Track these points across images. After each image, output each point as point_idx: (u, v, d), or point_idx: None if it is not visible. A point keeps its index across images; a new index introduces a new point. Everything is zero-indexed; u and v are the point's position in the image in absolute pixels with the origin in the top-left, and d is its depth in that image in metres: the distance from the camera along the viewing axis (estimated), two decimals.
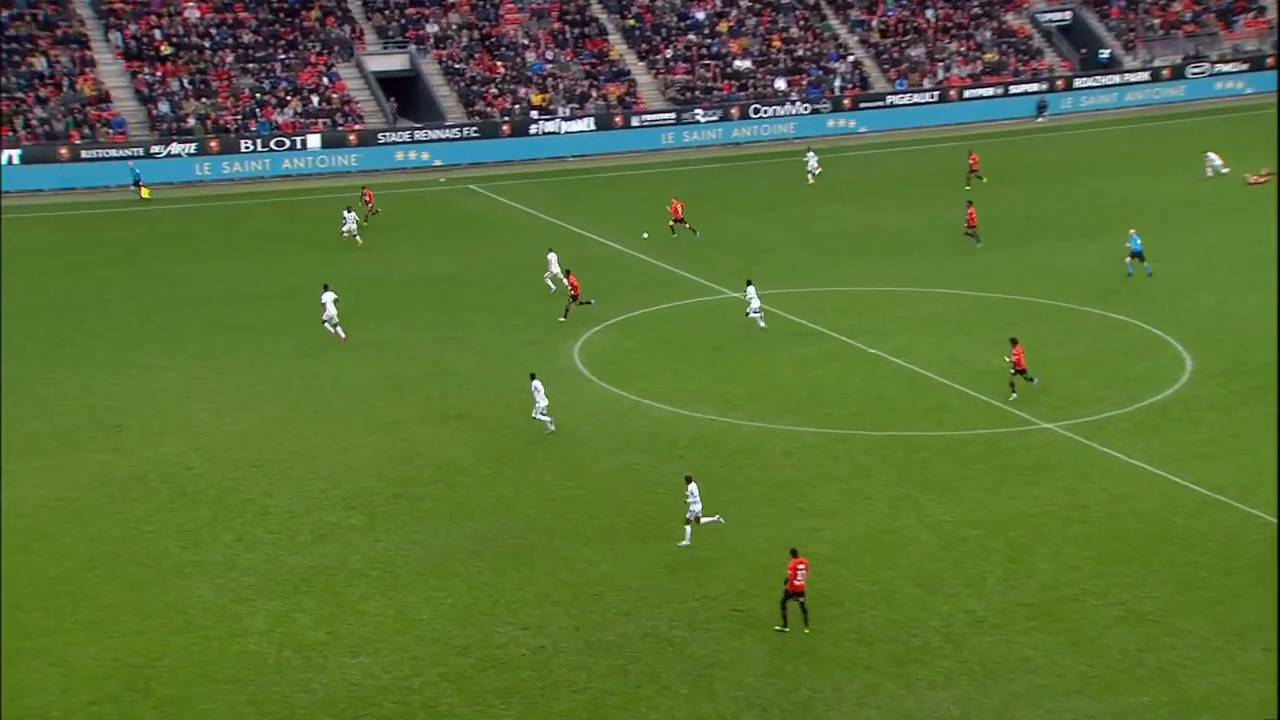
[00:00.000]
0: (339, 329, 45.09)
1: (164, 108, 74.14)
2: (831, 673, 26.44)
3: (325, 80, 79.53)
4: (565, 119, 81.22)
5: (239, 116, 75.20)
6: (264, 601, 29.53)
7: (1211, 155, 67.94)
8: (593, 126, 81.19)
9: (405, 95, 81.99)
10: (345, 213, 59.90)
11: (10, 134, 69.18)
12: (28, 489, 34.47)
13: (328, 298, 45.65)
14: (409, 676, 26.82)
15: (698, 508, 31.54)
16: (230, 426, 39.13)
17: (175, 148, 72.28)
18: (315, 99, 78.06)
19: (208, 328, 48.24)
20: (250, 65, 78.55)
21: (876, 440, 37.17)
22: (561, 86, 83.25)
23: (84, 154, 69.85)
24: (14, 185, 67.57)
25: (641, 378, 42.44)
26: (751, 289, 47.11)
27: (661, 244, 58.78)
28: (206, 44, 78.77)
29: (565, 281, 48.84)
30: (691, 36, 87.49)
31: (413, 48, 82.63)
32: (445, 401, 41.42)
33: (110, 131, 71.77)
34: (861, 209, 64.83)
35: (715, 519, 32.00)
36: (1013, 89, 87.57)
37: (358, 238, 58.99)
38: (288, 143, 74.70)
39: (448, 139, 78.36)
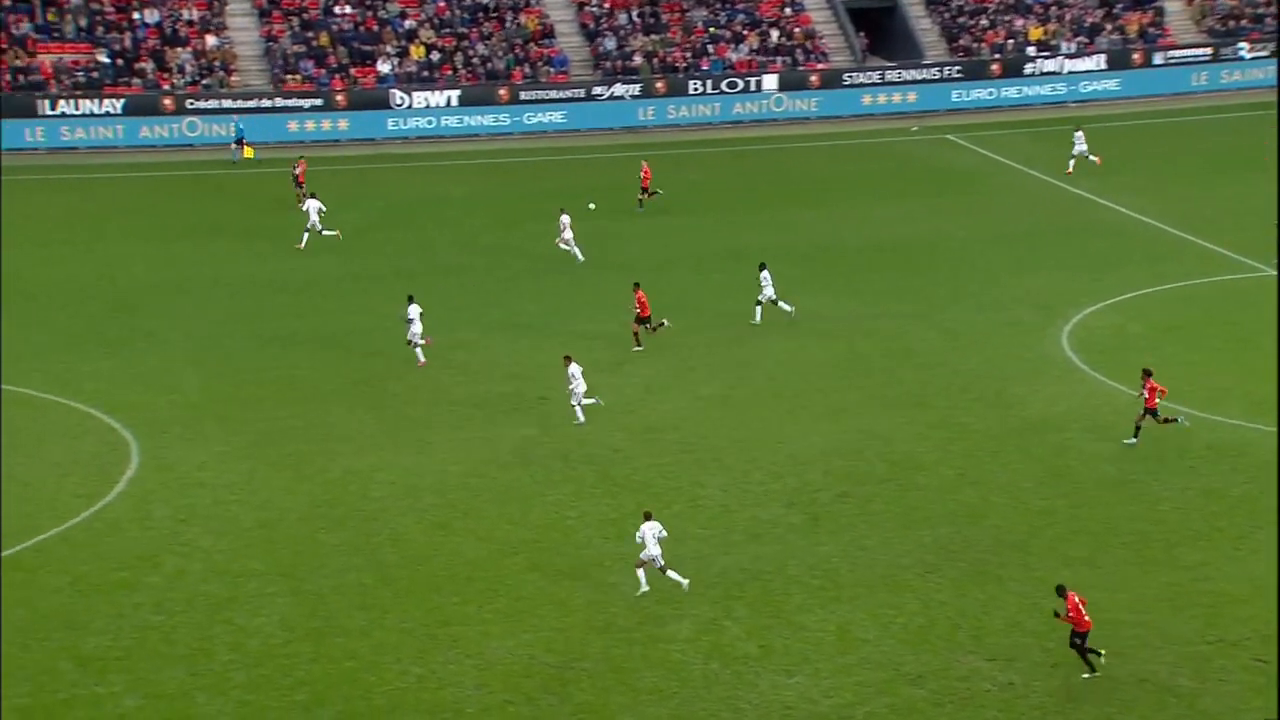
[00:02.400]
0: (420, 350, 42.68)
1: (609, 44, 77.45)
2: None
3: (788, 11, 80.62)
4: (1069, 56, 78.87)
5: (689, 54, 77.52)
6: (691, 605, 30.47)
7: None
8: (1103, 65, 78.51)
9: (878, 29, 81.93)
10: None
11: (450, 73, 74.26)
12: (448, 462, 37.11)
13: (413, 311, 42.72)
14: (851, 705, 27.01)
15: (580, 387, 37.14)
16: (661, 405, 40.59)
17: (618, 89, 75.40)
18: (775, 34, 79.36)
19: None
20: None
21: None
22: (1068, 17, 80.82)
23: (522, 95, 74.00)
24: (451, 130, 72.61)
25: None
26: (765, 273, 45.83)
27: (1176, 207, 56.13)
28: None
29: (634, 303, 44.35)
30: None
31: None
32: (904, 388, 41.31)
33: (551, 70, 75.69)
34: None
35: (595, 400, 37.03)
36: None
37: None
38: (740, 84, 76.41)
39: (925, 80, 77.92)
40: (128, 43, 71.24)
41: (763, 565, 31.95)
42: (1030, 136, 71.20)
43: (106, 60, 70.17)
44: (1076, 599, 27.37)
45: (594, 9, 78.93)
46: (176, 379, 42.00)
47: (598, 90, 75.02)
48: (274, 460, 36.98)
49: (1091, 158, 62.65)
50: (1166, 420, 36.76)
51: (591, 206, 56.85)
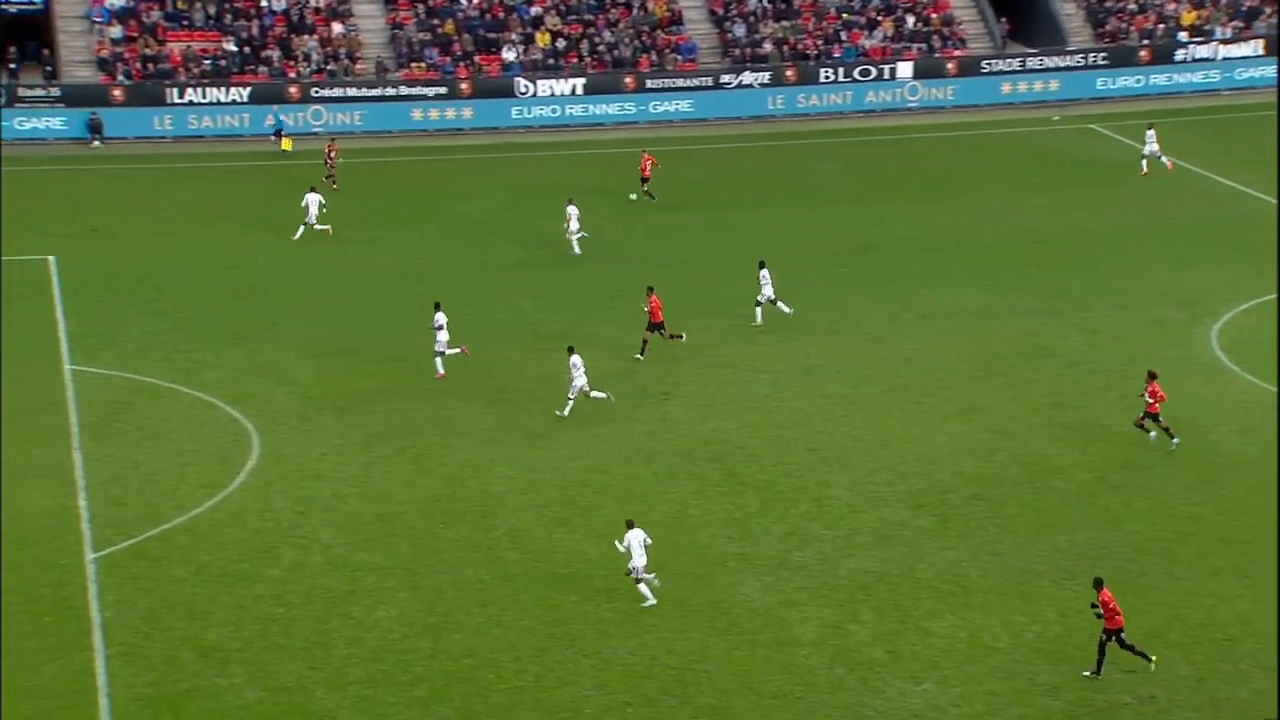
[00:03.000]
0: (440, 359, 41.70)
1: (738, 31, 77.29)
2: None
3: None
4: (1224, 41, 77.22)
5: (820, 41, 77.11)
6: (816, 608, 30.42)
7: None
8: (1259, 51, 76.65)
9: (1020, 15, 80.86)
10: None
11: (576, 61, 74.65)
12: (568, 457, 37.33)
13: (440, 319, 41.78)
14: (982, 715, 26.82)
15: (582, 381, 37.56)
16: (787, 402, 40.48)
17: (747, 77, 75.17)
18: (911, 20, 78.65)
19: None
20: None
21: None
22: (1224, 0, 79.11)
23: (649, 84, 74.08)
24: (576, 119, 72.96)
25: None
26: (764, 272, 44.94)
27: None
28: None
29: (646, 309, 43.15)
30: None
31: None
32: (1039, 387, 40.85)
33: (679, 58, 75.70)
34: None
35: (604, 395, 37.35)
36: None
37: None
38: (874, 71, 75.84)
39: (1068, 67, 76.76)
40: (255, 30, 72.56)
41: (890, 568, 31.78)
42: (1177, 126, 69.74)
43: (234, 48, 71.54)
44: (1109, 594, 27.35)
45: None
46: (295, 369, 42.72)
47: (726, 78, 74.87)
48: (392, 453, 37.48)
49: (1163, 159, 61.19)
50: (1167, 429, 36.32)
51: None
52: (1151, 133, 61.78)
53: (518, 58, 73.97)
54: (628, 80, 73.88)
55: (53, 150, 65.51)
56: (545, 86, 72.78)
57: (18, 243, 52.82)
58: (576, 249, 52.72)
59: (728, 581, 31.52)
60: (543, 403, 40.36)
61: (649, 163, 59.45)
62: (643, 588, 30.53)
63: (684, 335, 43.40)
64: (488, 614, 30.27)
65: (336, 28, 73.40)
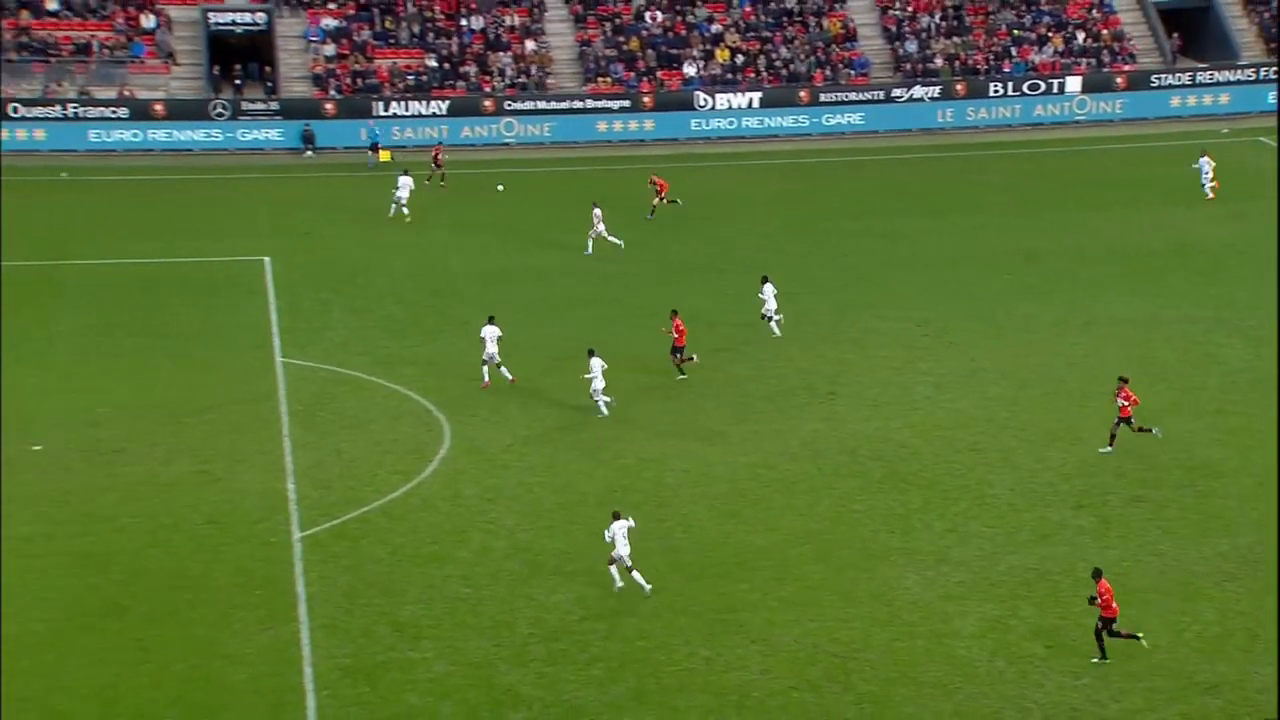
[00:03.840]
0: (487, 370, 40.97)
1: (910, 46, 76.55)
2: None
3: (1095, 14, 78.19)
4: None
5: (991, 56, 76.00)
6: (976, 603, 29.98)
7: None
8: None
9: (1191, 30, 78.62)
10: None
11: (753, 75, 74.60)
12: (738, 453, 37.30)
13: (489, 332, 41.14)
14: (1142, 711, 26.26)
15: (598, 383, 38.09)
16: (951, 404, 39.94)
17: (917, 91, 74.43)
18: (1081, 35, 77.06)
19: (932, 291, 49.29)
20: None
21: None
22: None
23: (822, 97, 73.73)
24: (752, 131, 72.93)
25: None
26: (768, 287, 43.56)
27: None
28: None
29: (671, 331, 41.63)
30: None
31: None
32: (1203, 393, 39.91)
33: (851, 73, 75.24)
34: None
35: (608, 399, 37.87)
36: None
37: None
38: (1043, 86, 74.42)
39: (1239, 81, 74.51)
40: (454, 48, 73.76)
41: (1050, 566, 31.20)
42: None
43: (434, 64, 72.83)
44: (1107, 585, 27.50)
45: (897, 12, 78.07)
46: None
47: (897, 92, 74.19)
48: (572, 445, 37.81)
49: (1208, 185, 58.57)
50: (1141, 429, 35.59)
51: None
52: (1205, 159, 59.29)
53: (698, 73, 74.09)
54: (802, 94, 73.57)
55: (269, 159, 67.37)
56: (723, 100, 72.75)
57: (237, 244, 54.48)
58: (590, 249, 53.11)
59: (889, 575, 31.22)
60: (716, 401, 40.38)
61: (655, 182, 58.21)
62: (636, 576, 30.46)
63: (695, 356, 41.73)
64: (660, 600, 30.38)
65: (529, 45, 74.28)
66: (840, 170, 67.44)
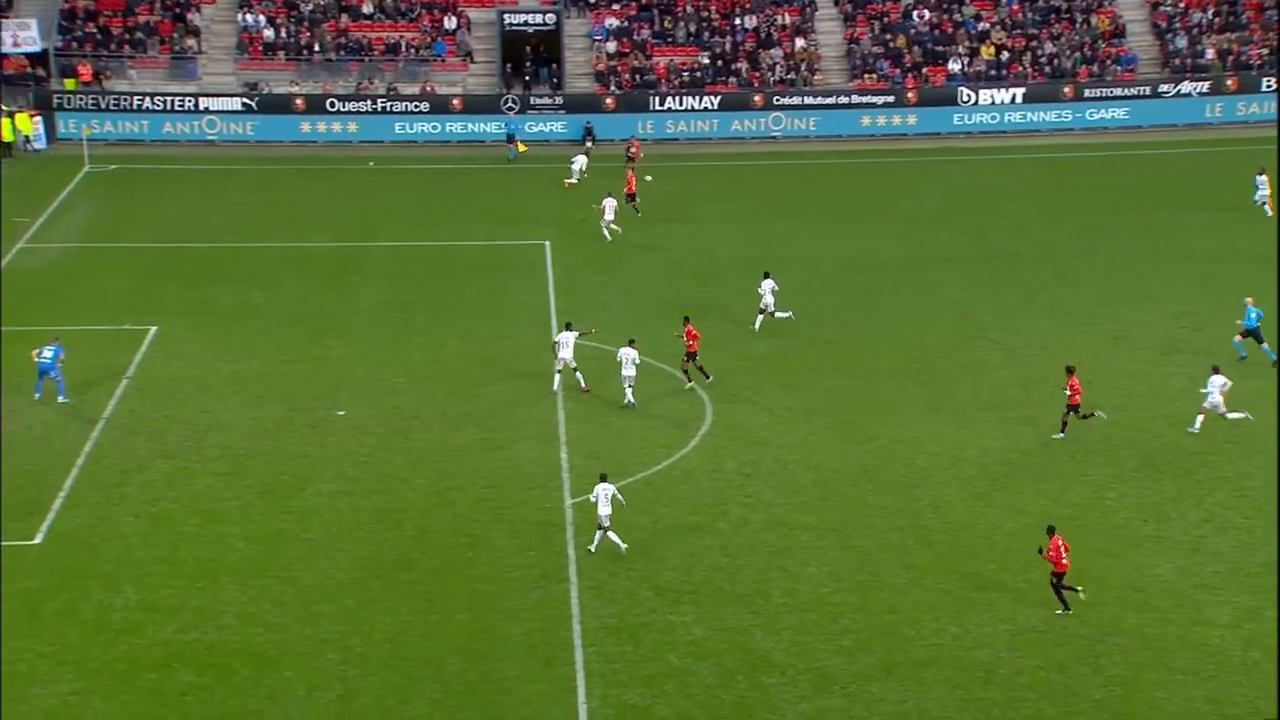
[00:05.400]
0: (559, 375, 39.40)
1: (1179, 42, 73.38)
2: None
3: None
4: None
5: (1265, 52, 72.30)
6: (1231, 593, 28.75)
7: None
8: None
9: None
10: None
11: (1018, 71, 72.67)
12: (990, 437, 36.46)
13: (567, 338, 39.37)
14: None
15: (628, 370, 37.33)
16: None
17: (1185, 86, 71.38)
18: None
19: (1194, 286, 47.37)
20: None
21: None
22: None
23: (1087, 93, 71.33)
24: (1014, 125, 71.00)
25: None
26: (767, 283, 41.54)
27: None
28: None
29: (684, 338, 39.59)
30: None
31: None
32: None
33: (1118, 69, 72.58)
34: None
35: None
36: None
37: None
38: None
39: None
40: (728, 46, 73.83)
41: None
42: None
43: (707, 61, 73.04)
44: (1061, 542, 27.85)
45: (1168, 8, 74.87)
46: (746, 345, 43.25)
47: (1163, 87, 71.21)
48: (828, 425, 37.50)
49: (1265, 199, 53.78)
50: (1086, 416, 35.50)
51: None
52: (1263, 178, 54.33)
53: (962, 69, 72.48)
54: (1066, 89, 71.36)
55: (554, 151, 68.66)
56: (986, 95, 71.05)
57: (521, 229, 55.68)
58: (608, 236, 52.80)
59: (1141, 561, 30.13)
60: (969, 386, 39.55)
61: (633, 179, 56.87)
62: (612, 535, 30.29)
63: (711, 377, 39.84)
64: (910, 576, 29.94)
65: (799, 42, 73.81)
66: (1102, 165, 65.14)
